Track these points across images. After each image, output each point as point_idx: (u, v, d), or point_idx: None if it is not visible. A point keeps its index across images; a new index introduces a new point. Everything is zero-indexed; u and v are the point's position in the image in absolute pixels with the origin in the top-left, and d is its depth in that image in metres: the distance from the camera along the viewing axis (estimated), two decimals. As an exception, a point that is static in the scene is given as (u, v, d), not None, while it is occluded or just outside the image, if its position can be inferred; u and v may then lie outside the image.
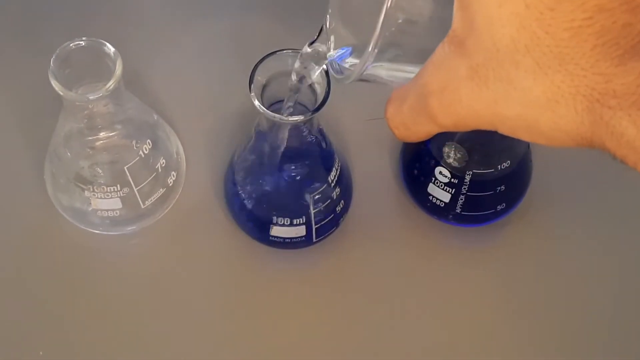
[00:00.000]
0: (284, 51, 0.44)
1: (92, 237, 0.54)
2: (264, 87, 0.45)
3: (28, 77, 0.57)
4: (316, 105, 0.44)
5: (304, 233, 0.52)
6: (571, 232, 0.56)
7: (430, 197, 0.53)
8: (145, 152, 0.50)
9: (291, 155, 0.49)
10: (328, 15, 0.39)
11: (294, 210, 0.51)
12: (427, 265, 0.55)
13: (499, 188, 0.52)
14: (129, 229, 0.54)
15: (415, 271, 0.55)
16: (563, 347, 0.53)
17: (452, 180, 0.51)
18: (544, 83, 0.28)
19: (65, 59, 0.45)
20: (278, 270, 0.54)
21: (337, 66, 0.39)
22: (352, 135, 0.57)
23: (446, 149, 0.51)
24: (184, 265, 0.54)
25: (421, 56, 0.33)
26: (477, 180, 0.51)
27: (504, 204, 0.53)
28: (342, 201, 0.53)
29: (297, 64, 0.42)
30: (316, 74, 0.42)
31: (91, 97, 0.44)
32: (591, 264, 0.55)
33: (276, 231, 0.52)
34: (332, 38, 0.39)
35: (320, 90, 0.44)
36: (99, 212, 0.52)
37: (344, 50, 0.39)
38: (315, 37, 0.40)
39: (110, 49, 0.45)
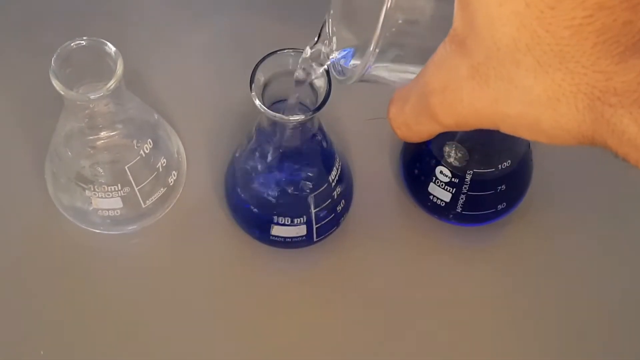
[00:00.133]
0: (285, 51, 0.44)
1: (93, 236, 0.54)
2: (265, 86, 0.45)
3: (29, 76, 0.57)
4: (317, 105, 0.44)
5: (304, 232, 0.52)
6: (571, 232, 0.56)
7: (431, 197, 0.53)
8: (146, 151, 0.50)
9: (292, 154, 0.49)
10: (330, 17, 0.39)
11: (295, 210, 0.51)
12: (427, 265, 0.55)
13: (499, 187, 0.52)
14: (130, 228, 0.54)
15: (415, 271, 0.55)
16: (563, 346, 0.53)
17: (453, 179, 0.51)
18: (545, 81, 0.28)
19: (66, 58, 0.45)
20: (278, 270, 0.55)
21: (340, 67, 0.39)
22: (352, 135, 0.57)
23: (447, 149, 0.51)
24: (184, 265, 0.54)
25: (423, 56, 0.33)
26: (478, 179, 0.51)
27: (505, 204, 0.53)
28: (343, 201, 0.53)
29: (298, 68, 0.42)
30: (318, 73, 0.42)
31: (92, 97, 0.44)
32: (591, 263, 0.55)
33: (277, 231, 0.52)
34: (334, 39, 0.39)
35: (321, 89, 0.44)
36: (100, 211, 0.52)
37: (346, 52, 0.39)
38: (316, 39, 0.40)
39: (111, 48, 0.45)
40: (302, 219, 0.51)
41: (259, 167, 0.50)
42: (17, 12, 0.61)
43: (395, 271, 0.54)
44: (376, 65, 0.34)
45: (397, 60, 0.35)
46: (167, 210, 0.55)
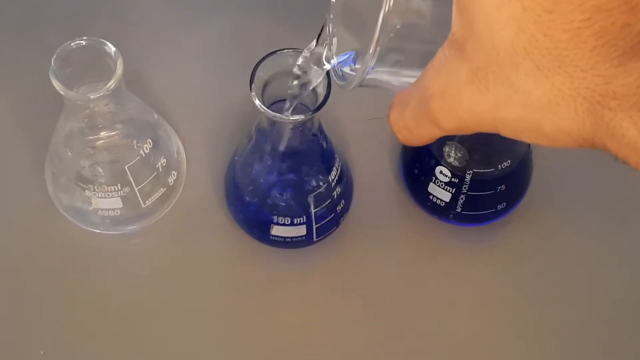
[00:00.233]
0: (285, 51, 0.44)
1: (93, 236, 0.54)
2: (265, 86, 0.45)
3: (29, 76, 0.57)
4: (317, 105, 0.44)
5: (304, 232, 0.52)
6: (571, 232, 0.56)
7: (431, 197, 0.53)
8: (146, 151, 0.50)
9: (292, 154, 0.49)
10: (329, 20, 0.39)
11: (295, 210, 0.51)
12: (427, 265, 0.55)
13: (499, 187, 0.52)
14: (130, 228, 0.54)
15: (415, 271, 0.55)
16: (563, 346, 0.53)
17: (453, 179, 0.51)
18: (544, 85, 0.28)
19: (66, 58, 0.45)
20: (278, 270, 0.55)
21: (340, 72, 0.39)
22: (352, 135, 0.57)
23: (446, 149, 0.51)
24: (184, 265, 0.54)
25: (422, 60, 0.33)
26: (478, 179, 0.51)
27: (505, 204, 0.53)
28: (343, 201, 0.53)
29: (296, 70, 0.42)
30: (319, 79, 0.42)
31: (92, 97, 0.44)
32: (591, 263, 0.55)
33: (276, 230, 0.52)
34: (334, 42, 0.39)
35: (320, 90, 0.44)
36: (100, 211, 0.52)
37: (347, 56, 0.39)
38: (315, 42, 0.40)
39: (111, 48, 0.45)
40: (301, 219, 0.51)
41: (259, 167, 0.50)
42: (17, 12, 0.61)
43: (395, 271, 0.54)
44: (376, 69, 0.34)
45: (396, 64, 0.35)
46: (167, 210, 0.55)
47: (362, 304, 0.53)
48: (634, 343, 0.53)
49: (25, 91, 0.58)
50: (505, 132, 0.31)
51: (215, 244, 0.55)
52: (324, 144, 0.50)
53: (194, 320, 0.52)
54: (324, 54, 0.39)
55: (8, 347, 0.52)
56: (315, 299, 0.54)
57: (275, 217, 0.51)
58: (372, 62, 0.33)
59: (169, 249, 0.55)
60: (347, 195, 0.53)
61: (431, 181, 0.52)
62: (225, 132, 0.57)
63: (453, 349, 0.53)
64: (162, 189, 0.53)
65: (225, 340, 0.53)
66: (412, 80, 0.34)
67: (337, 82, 0.39)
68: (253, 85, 0.44)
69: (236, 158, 0.52)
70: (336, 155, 0.51)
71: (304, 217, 0.51)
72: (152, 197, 0.53)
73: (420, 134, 0.34)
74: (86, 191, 0.51)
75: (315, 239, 0.53)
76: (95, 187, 0.51)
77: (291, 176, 0.50)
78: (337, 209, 0.52)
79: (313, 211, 0.51)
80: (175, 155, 0.54)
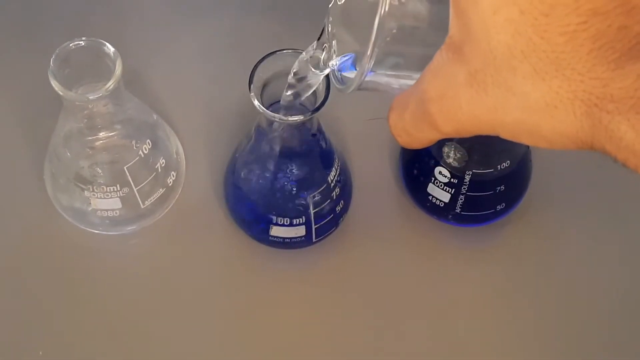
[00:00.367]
0: (284, 51, 0.44)
1: (92, 237, 0.54)
2: (264, 86, 0.45)
3: (28, 77, 0.57)
4: (316, 105, 0.44)
5: (303, 233, 0.52)
6: (570, 232, 0.56)
7: (430, 197, 0.53)
8: (145, 152, 0.50)
9: (291, 155, 0.49)
10: (329, 23, 0.39)
11: (294, 210, 0.51)
12: (427, 265, 0.55)
13: (498, 188, 0.52)
14: (129, 228, 0.54)
15: (415, 271, 0.55)
16: (563, 346, 0.53)
17: (452, 180, 0.51)
18: (542, 88, 0.28)
19: (65, 59, 0.45)
20: (278, 270, 0.54)
21: (339, 75, 0.39)
22: (352, 135, 0.57)
23: (446, 149, 0.50)
24: (184, 265, 0.54)
25: (420, 63, 0.33)
26: (477, 180, 0.51)
27: (504, 204, 0.53)
28: (342, 201, 0.53)
29: (291, 78, 0.42)
30: (317, 84, 0.42)
31: (91, 97, 0.44)
32: (591, 263, 0.55)
33: (276, 231, 0.52)
34: (333, 45, 0.39)
35: (320, 90, 0.44)
36: (99, 212, 0.52)
37: (345, 59, 0.39)
38: (314, 44, 0.40)
39: (110, 48, 0.45)
40: (301, 219, 0.51)
41: (258, 167, 0.50)
42: (17, 12, 0.61)
43: (394, 272, 0.54)
44: (374, 73, 0.34)
45: (395, 67, 0.35)
46: (166, 210, 0.55)
47: (362, 304, 0.53)
48: (634, 343, 0.53)
49: (25, 91, 0.58)
50: (504, 135, 0.31)
51: (214, 244, 0.55)
52: (323, 144, 0.50)
53: (193, 321, 0.52)
54: (323, 57, 0.39)
55: (8, 347, 0.52)
56: (315, 299, 0.54)
57: (274, 218, 0.51)
58: (369, 66, 0.33)
59: (168, 249, 0.55)
60: (346, 195, 0.53)
61: (430, 182, 0.52)
62: (224, 133, 0.57)
63: (453, 349, 0.52)
64: (161, 190, 0.53)
65: (225, 341, 0.53)
66: (411, 83, 0.34)
67: (337, 86, 0.39)
68: (252, 86, 0.44)
69: (235, 158, 0.52)
70: (335, 156, 0.51)
71: (303, 217, 0.51)
72: (152, 198, 0.53)
73: (420, 137, 0.34)
74: (85, 192, 0.51)
75: (314, 240, 0.53)
76: (95, 187, 0.51)
77: (290, 176, 0.50)
78: (337, 209, 0.52)
79: (312, 212, 0.51)
80: (175, 156, 0.54)
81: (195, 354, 0.52)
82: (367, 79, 0.35)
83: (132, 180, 0.51)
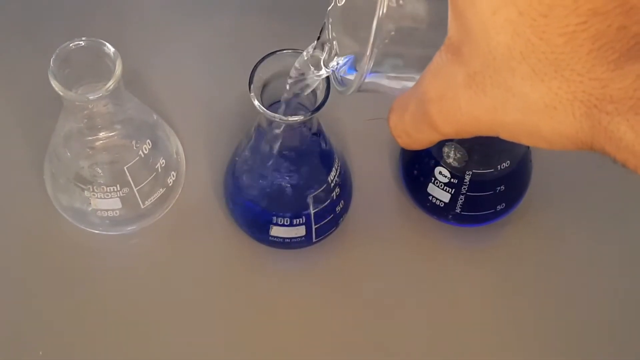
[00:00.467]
0: (284, 51, 0.44)
1: (92, 237, 0.54)
2: (264, 86, 0.45)
3: (28, 77, 0.57)
4: (316, 105, 0.44)
5: (303, 233, 0.52)
6: (571, 232, 0.56)
7: (430, 197, 0.53)
8: (145, 152, 0.50)
9: (291, 155, 0.49)
10: (329, 23, 0.39)
11: (294, 210, 0.51)
12: (427, 265, 0.55)
13: (498, 188, 0.52)
14: (129, 229, 0.54)
15: (415, 271, 0.55)
16: (563, 346, 0.53)
17: (452, 180, 0.51)
18: (541, 89, 0.28)
19: (65, 59, 0.45)
20: (278, 270, 0.55)
21: (339, 77, 0.39)
22: (352, 135, 0.57)
23: (446, 149, 0.50)
24: (184, 265, 0.54)
25: (420, 64, 0.33)
26: (477, 180, 0.51)
27: (504, 204, 0.53)
28: (342, 201, 0.53)
29: (291, 77, 0.42)
30: (315, 84, 0.42)
31: (91, 97, 0.44)
32: (591, 263, 0.55)
33: (276, 231, 0.52)
34: (334, 46, 0.39)
35: (320, 90, 0.44)
36: (99, 212, 0.52)
37: (346, 60, 0.39)
38: (314, 44, 0.40)
39: (110, 49, 0.45)
40: (301, 219, 0.51)
41: (258, 167, 0.50)
42: (17, 12, 0.61)
43: (394, 272, 0.54)
44: (374, 74, 0.34)
45: (394, 69, 0.35)
46: (166, 210, 0.55)
47: (362, 304, 0.53)
48: (634, 343, 0.53)
49: (25, 91, 0.58)
50: (504, 136, 0.31)
51: (214, 244, 0.55)
52: (324, 145, 0.50)
53: (193, 321, 0.52)
54: (323, 58, 0.39)
55: (8, 347, 0.52)
56: (315, 299, 0.54)
57: (274, 218, 0.51)
58: (368, 67, 0.33)
59: (168, 249, 0.55)
60: (346, 195, 0.53)
61: (430, 182, 0.52)
62: (224, 133, 0.57)
63: (453, 349, 0.52)
64: (161, 190, 0.53)
65: (225, 341, 0.53)
66: (411, 84, 0.34)
67: (337, 87, 0.39)
68: (252, 86, 0.44)
69: (235, 158, 0.52)
70: (335, 156, 0.51)
71: (304, 217, 0.51)
72: (152, 198, 0.53)
73: (420, 138, 0.34)
74: (85, 192, 0.51)
75: (314, 240, 0.53)
76: (95, 187, 0.51)
77: (290, 176, 0.50)
78: (337, 209, 0.52)
79: (312, 212, 0.51)
80: (175, 156, 0.54)
81: (195, 354, 0.52)
82: (366, 80, 0.35)
83: (132, 180, 0.51)
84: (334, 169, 0.51)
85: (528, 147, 0.53)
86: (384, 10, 0.32)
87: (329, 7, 0.38)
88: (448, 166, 0.51)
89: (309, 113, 0.44)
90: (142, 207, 0.53)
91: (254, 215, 0.52)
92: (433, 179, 0.52)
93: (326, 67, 0.39)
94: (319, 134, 0.49)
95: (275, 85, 0.45)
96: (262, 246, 0.54)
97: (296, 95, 0.42)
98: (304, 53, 0.41)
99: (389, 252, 0.55)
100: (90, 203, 0.52)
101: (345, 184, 0.53)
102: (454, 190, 0.52)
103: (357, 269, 0.54)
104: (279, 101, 0.45)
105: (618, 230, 0.56)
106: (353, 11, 0.38)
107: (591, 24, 0.27)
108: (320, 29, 0.39)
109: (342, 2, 0.38)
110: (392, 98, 0.35)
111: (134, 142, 0.50)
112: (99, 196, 0.51)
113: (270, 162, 0.49)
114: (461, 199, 0.52)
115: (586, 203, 0.57)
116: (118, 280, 0.54)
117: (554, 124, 0.29)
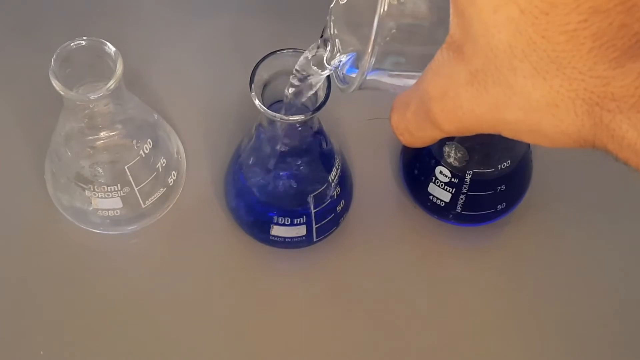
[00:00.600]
0: (285, 51, 0.44)
1: (93, 236, 0.54)
2: (265, 86, 0.45)
3: (28, 76, 0.57)
4: (317, 105, 0.44)
5: (304, 233, 0.52)
6: (571, 232, 0.56)
7: (431, 197, 0.53)
8: (146, 151, 0.50)
9: (291, 154, 0.49)
10: (331, 22, 0.39)
11: (295, 210, 0.51)
12: (427, 265, 0.55)
13: (499, 188, 0.52)
14: (130, 228, 0.54)
15: (415, 271, 0.55)
16: (563, 346, 0.53)
17: (453, 179, 0.51)
18: (543, 88, 0.28)
19: (66, 58, 0.45)
20: (278, 270, 0.55)
21: (341, 75, 0.39)
22: (352, 135, 0.57)
23: (446, 149, 0.51)
24: (184, 265, 0.54)
25: (422, 62, 0.33)
26: (478, 179, 0.51)
27: (504, 204, 0.53)
28: (343, 201, 0.53)
29: (293, 78, 0.42)
30: (319, 83, 0.42)
31: (92, 97, 0.44)
32: (591, 263, 0.55)
33: (276, 231, 0.52)
34: (336, 44, 0.39)
35: (320, 90, 0.44)
36: (100, 211, 0.52)
37: (348, 58, 0.39)
38: (317, 43, 0.40)
39: (111, 48, 0.45)
40: (301, 219, 0.51)
41: (259, 167, 0.50)
42: (17, 12, 0.61)
43: (394, 271, 0.54)
44: (375, 72, 0.34)
45: (396, 66, 0.35)
46: (167, 210, 0.55)
47: (362, 304, 0.53)
48: (634, 343, 0.53)
49: (25, 91, 0.58)
50: (506, 134, 0.31)
51: (215, 244, 0.55)
52: (324, 144, 0.50)
53: (193, 321, 0.52)
54: (326, 56, 0.39)
55: (8, 347, 0.51)
56: (315, 299, 0.54)
57: (275, 217, 0.51)
58: (370, 65, 0.34)
59: (168, 249, 0.55)
60: (347, 195, 0.53)
61: (431, 181, 0.52)
62: (225, 132, 0.57)
63: (453, 349, 0.52)
64: (162, 189, 0.53)
65: (225, 340, 0.53)
66: (412, 82, 0.34)
67: (339, 85, 0.39)
68: (253, 86, 0.44)
69: (236, 158, 0.52)
70: (336, 155, 0.51)
71: (304, 217, 0.51)
72: (152, 197, 0.53)
73: (422, 136, 0.34)
74: (86, 191, 0.51)
75: (315, 239, 0.53)
76: (95, 187, 0.51)
77: (291, 176, 0.50)
78: (337, 209, 0.52)
79: (313, 211, 0.51)
80: (175, 155, 0.54)
81: (195, 354, 0.52)
82: (368, 78, 0.35)
83: (132, 179, 0.51)
84: (334, 168, 0.51)
85: (529, 147, 0.53)
86: (385, 8, 0.32)
87: (332, 5, 0.38)
88: (449, 166, 0.51)
89: (310, 112, 0.44)
90: (142, 206, 0.53)
91: (254, 214, 0.52)
92: (434, 178, 0.52)
93: (329, 65, 0.39)
94: (319, 133, 0.49)
95: (275, 85, 0.46)
96: (263, 246, 0.54)
97: (298, 95, 0.42)
98: (305, 54, 0.41)
99: (390, 251, 0.55)
100: (91, 203, 0.52)
101: (345, 184, 0.53)
102: (454, 189, 0.52)
103: (358, 269, 0.54)
104: (280, 101, 0.45)
105: (618, 230, 0.56)
106: (355, 8, 0.38)
107: (592, 22, 0.27)
108: (323, 27, 0.39)
109: (344, 0, 0.38)
110: (393, 96, 0.35)
111: (134, 142, 0.50)
112: (99, 196, 0.51)
113: (271, 162, 0.49)
114: (462, 199, 0.52)
115: (586, 203, 0.57)
116: (118, 280, 0.54)
117: (556, 122, 0.29)
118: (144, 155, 0.50)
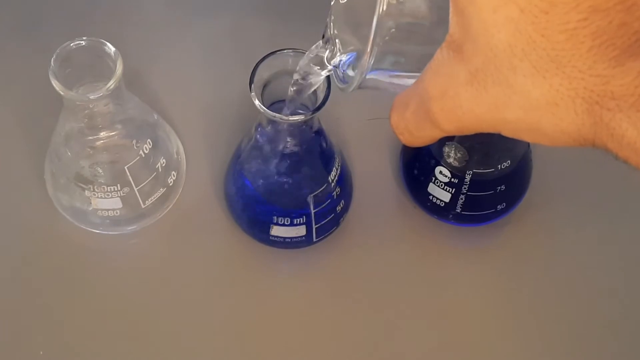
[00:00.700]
0: (285, 51, 0.44)
1: (92, 236, 0.54)
2: (265, 86, 0.45)
3: (28, 76, 0.57)
4: (317, 105, 0.44)
5: (304, 233, 0.52)
6: (571, 232, 0.56)
7: (431, 197, 0.53)
8: (146, 151, 0.50)
9: (291, 154, 0.49)
10: (331, 21, 0.39)
11: (294, 210, 0.51)
12: (427, 265, 0.55)
13: (499, 188, 0.52)
14: (129, 228, 0.54)
15: (415, 271, 0.55)
16: (563, 346, 0.53)
17: (453, 179, 0.51)
18: (543, 86, 0.28)
19: (65, 58, 0.45)
20: (278, 270, 0.55)
21: (341, 74, 0.39)
22: (352, 135, 0.57)
23: (446, 149, 0.50)
24: (184, 265, 0.54)
25: (421, 61, 0.33)
26: (477, 179, 0.51)
27: (504, 204, 0.53)
28: (343, 201, 0.53)
29: (296, 75, 0.42)
30: (319, 82, 0.42)
31: (92, 97, 0.44)
32: (591, 263, 0.55)
33: (276, 231, 0.52)
34: (336, 44, 0.39)
35: (320, 90, 0.44)
36: (99, 211, 0.52)
37: (348, 58, 0.39)
38: (319, 43, 0.40)
39: (110, 48, 0.45)
40: (301, 219, 0.51)
41: (258, 167, 0.50)
42: (17, 12, 0.61)
43: (394, 271, 0.54)
44: (375, 71, 0.34)
45: (395, 66, 0.35)
46: (167, 210, 0.55)
47: (362, 304, 0.53)
48: (634, 343, 0.53)
49: (25, 91, 0.58)
50: (506, 133, 0.31)
51: (215, 244, 0.55)
52: (324, 144, 0.50)
53: (193, 321, 0.52)
54: (326, 56, 0.39)
55: (8, 347, 0.51)
56: (315, 299, 0.54)
57: (275, 218, 0.51)
58: (369, 64, 0.34)
59: (168, 249, 0.55)
60: (347, 195, 0.53)
61: (431, 181, 0.52)
62: (225, 132, 0.57)
63: (453, 349, 0.52)
64: (161, 189, 0.53)
65: (225, 340, 0.53)
66: (412, 81, 0.34)
67: (338, 84, 0.39)
68: (253, 86, 0.44)
69: (236, 158, 0.52)
70: (336, 155, 0.51)
71: (304, 217, 0.51)
72: (152, 198, 0.53)
73: (422, 135, 0.34)
74: (86, 191, 0.51)
75: (315, 239, 0.53)
76: (95, 187, 0.51)
77: (291, 176, 0.50)
78: (337, 209, 0.52)
79: (313, 211, 0.51)
80: (175, 156, 0.54)
81: (195, 354, 0.52)
82: (367, 77, 0.35)
83: (132, 180, 0.51)
84: (334, 168, 0.51)
85: (529, 147, 0.53)
86: (384, 7, 0.32)
87: (332, 4, 0.38)
88: (448, 166, 0.51)
89: (310, 112, 0.44)
90: (142, 206, 0.53)
91: (254, 214, 0.52)
92: (433, 178, 0.52)
93: (329, 64, 0.39)
94: (319, 133, 0.49)
95: (275, 85, 0.46)
96: (263, 246, 0.54)
97: (298, 94, 0.42)
98: (307, 55, 0.41)
99: (390, 251, 0.55)
100: (90, 203, 0.52)
101: (345, 184, 0.53)
102: (454, 189, 0.52)
103: (358, 269, 0.54)
104: (280, 101, 0.45)
105: (618, 230, 0.56)
106: (354, 8, 0.38)
107: (592, 21, 0.27)
108: (325, 27, 0.39)
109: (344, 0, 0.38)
110: (393, 96, 0.35)
111: (134, 142, 0.50)
112: (99, 196, 0.51)
113: (271, 162, 0.49)
114: (461, 199, 0.52)
115: (586, 203, 0.57)
116: (118, 280, 0.54)
117: (556, 121, 0.29)
118: (143, 156, 0.50)
